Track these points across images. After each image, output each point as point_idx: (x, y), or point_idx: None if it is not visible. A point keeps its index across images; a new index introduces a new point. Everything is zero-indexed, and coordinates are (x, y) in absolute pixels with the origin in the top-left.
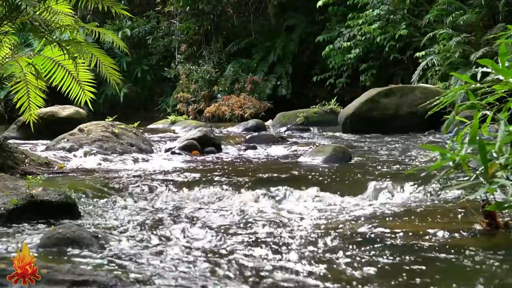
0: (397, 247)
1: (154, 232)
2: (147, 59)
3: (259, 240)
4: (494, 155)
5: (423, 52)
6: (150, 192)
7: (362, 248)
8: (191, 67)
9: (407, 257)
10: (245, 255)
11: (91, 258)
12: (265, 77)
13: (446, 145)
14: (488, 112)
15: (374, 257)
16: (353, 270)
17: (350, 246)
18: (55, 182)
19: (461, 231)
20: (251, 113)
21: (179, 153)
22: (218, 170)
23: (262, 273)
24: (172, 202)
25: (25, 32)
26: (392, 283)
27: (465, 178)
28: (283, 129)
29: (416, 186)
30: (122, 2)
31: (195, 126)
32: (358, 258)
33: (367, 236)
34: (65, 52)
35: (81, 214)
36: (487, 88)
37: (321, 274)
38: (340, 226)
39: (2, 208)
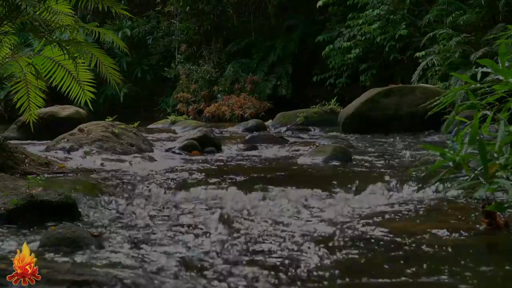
0: (397, 246)
1: (154, 232)
2: (147, 59)
3: (260, 240)
4: (494, 155)
5: (423, 52)
6: (150, 192)
7: (361, 248)
8: (191, 67)
9: (406, 257)
10: (245, 255)
11: (91, 258)
12: (265, 77)
13: (446, 145)
14: (488, 112)
15: (373, 257)
16: (352, 269)
17: (350, 246)
18: (55, 182)
19: (461, 231)
20: (251, 113)
21: (179, 153)
22: (218, 170)
23: (263, 272)
24: (172, 202)
25: (25, 32)
26: (391, 282)
27: (465, 178)
28: (283, 129)
29: (415, 185)
30: (122, 2)
31: (195, 126)
32: (357, 258)
33: (367, 235)
34: (65, 52)
35: (81, 214)
36: (487, 88)
37: (319, 272)
38: (340, 225)
39: (2, 208)
